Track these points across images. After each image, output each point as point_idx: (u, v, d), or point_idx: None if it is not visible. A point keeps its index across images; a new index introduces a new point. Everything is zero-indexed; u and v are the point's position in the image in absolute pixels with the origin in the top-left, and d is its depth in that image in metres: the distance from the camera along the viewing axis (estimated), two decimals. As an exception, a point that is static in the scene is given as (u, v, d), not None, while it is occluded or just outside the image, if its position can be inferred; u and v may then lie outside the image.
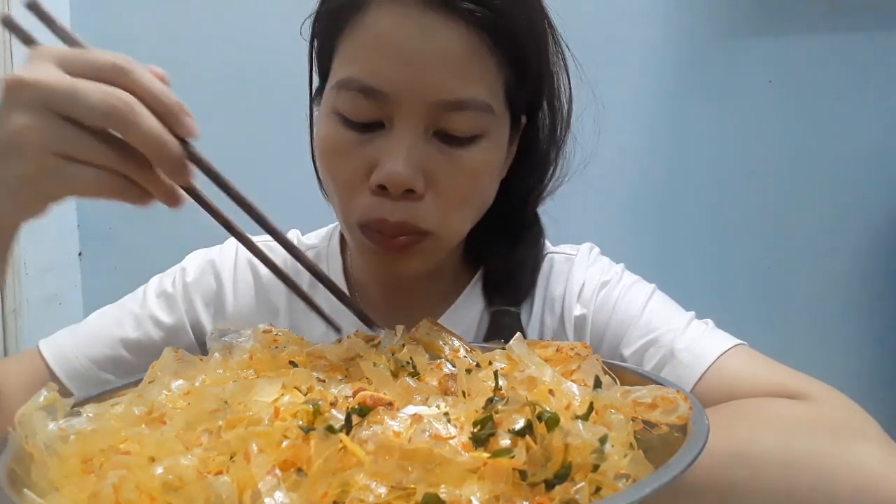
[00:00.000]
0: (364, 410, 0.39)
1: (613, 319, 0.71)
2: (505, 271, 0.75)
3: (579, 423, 0.37)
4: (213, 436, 0.39)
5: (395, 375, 0.48)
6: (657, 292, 0.73)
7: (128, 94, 0.44)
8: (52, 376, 0.70)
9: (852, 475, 0.50)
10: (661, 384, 0.46)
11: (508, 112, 0.64)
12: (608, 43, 1.42)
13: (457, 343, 0.53)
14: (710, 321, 0.71)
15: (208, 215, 0.51)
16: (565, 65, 0.70)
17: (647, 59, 1.49)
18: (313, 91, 0.70)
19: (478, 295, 0.75)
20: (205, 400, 0.43)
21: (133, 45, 1.43)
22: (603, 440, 0.36)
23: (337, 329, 0.55)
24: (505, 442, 0.36)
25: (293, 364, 0.51)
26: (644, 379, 0.49)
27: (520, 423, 0.37)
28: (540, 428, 0.36)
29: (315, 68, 0.68)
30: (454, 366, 0.49)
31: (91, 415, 0.43)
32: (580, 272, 0.74)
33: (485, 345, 0.57)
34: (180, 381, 0.47)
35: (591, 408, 0.40)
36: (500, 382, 0.44)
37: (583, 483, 0.34)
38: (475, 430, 0.38)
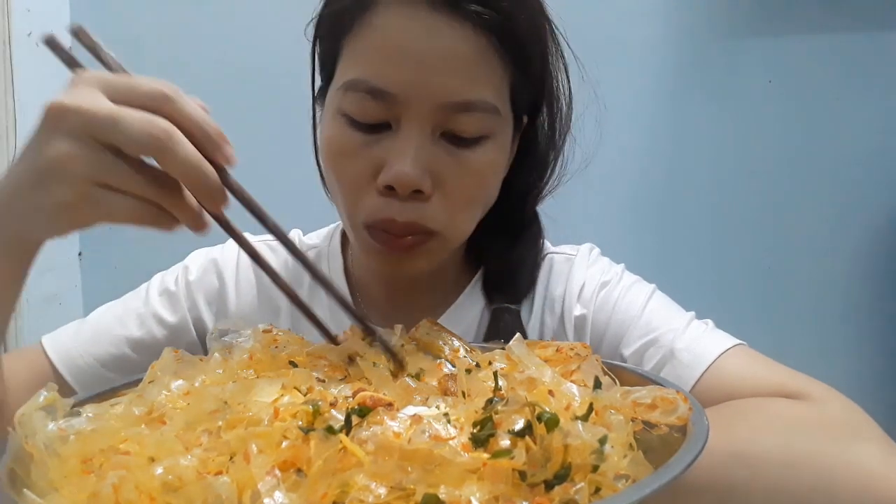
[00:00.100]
0: (364, 411, 0.39)
1: (613, 319, 0.71)
2: (505, 270, 0.75)
3: (579, 423, 0.37)
4: (213, 436, 0.39)
5: (394, 375, 0.49)
6: (657, 292, 0.73)
7: (168, 122, 0.43)
8: (56, 375, 0.70)
9: (852, 475, 0.50)
10: (661, 385, 0.46)
11: (512, 113, 0.64)
12: (608, 43, 1.42)
13: (457, 343, 0.53)
14: (710, 321, 0.71)
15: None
16: (565, 66, 0.70)
17: (647, 59, 1.49)
18: (315, 92, 0.70)
19: (478, 294, 0.75)
20: (204, 400, 0.43)
21: (133, 45, 1.43)
22: (602, 441, 0.36)
23: (332, 339, 0.55)
24: (505, 442, 0.36)
25: (293, 364, 0.51)
26: (644, 379, 0.49)
27: (519, 424, 0.37)
28: (539, 429, 0.36)
29: (317, 69, 0.68)
30: (454, 366, 0.49)
31: (91, 415, 0.43)
32: (580, 272, 0.75)
33: (485, 345, 0.57)
34: (180, 382, 0.47)
35: (590, 408, 0.40)
36: (501, 383, 0.44)
37: (582, 484, 0.34)
38: (475, 431, 0.38)
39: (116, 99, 0.44)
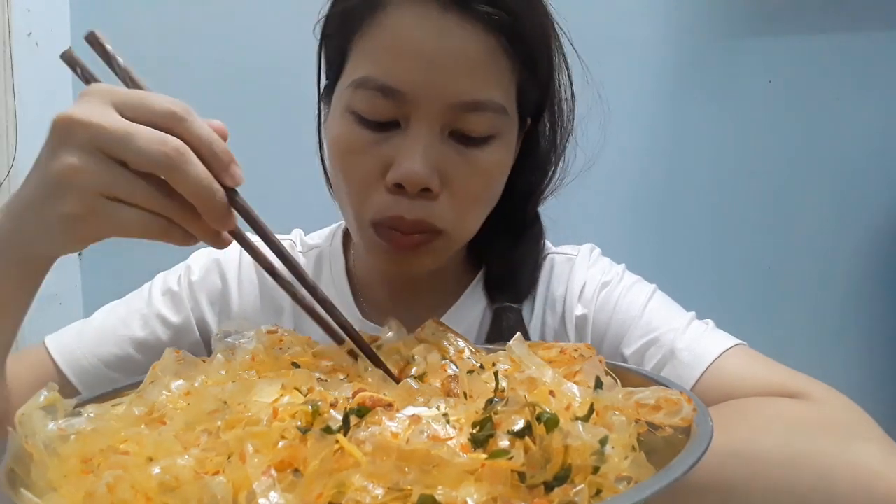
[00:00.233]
0: (362, 411, 0.38)
1: (614, 319, 0.71)
2: (506, 270, 0.75)
3: (579, 424, 0.37)
4: (212, 436, 0.39)
5: (401, 373, 0.48)
6: (658, 292, 0.74)
7: (180, 141, 0.44)
8: (61, 376, 0.70)
9: (852, 475, 0.50)
10: (665, 386, 0.46)
11: (517, 113, 0.65)
12: (608, 43, 1.42)
13: (462, 344, 0.53)
14: (710, 321, 0.71)
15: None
16: (567, 67, 0.70)
17: (647, 59, 1.49)
18: (321, 91, 0.70)
19: (480, 294, 0.76)
20: (204, 400, 0.43)
21: (133, 45, 1.42)
22: (603, 442, 0.36)
23: (340, 343, 0.55)
24: (504, 443, 0.36)
25: (295, 365, 0.51)
26: (648, 380, 0.49)
27: (519, 424, 0.37)
28: (539, 429, 0.36)
29: (323, 68, 0.69)
30: (458, 367, 0.48)
31: (91, 415, 0.43)
32: (581, 272, 0.75)
33: (490, 346, 0.57)
34: (180, 382, 0.47)
35: (591, 409, 0.40)
36: (503, 383, 0.44)
37: (582, 485, 0.34)
38: (474, 432, 0.37)
39: (128, 115, 0.44)
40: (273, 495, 0.33)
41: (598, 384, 0.44)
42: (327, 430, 0.37)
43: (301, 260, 0.78)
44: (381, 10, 0.59)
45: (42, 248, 0.49)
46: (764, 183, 1.50)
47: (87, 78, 0.48)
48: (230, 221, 0.47)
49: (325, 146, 0.70)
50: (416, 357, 0.51)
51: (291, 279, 0.53)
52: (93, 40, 0.47)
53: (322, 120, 0.71)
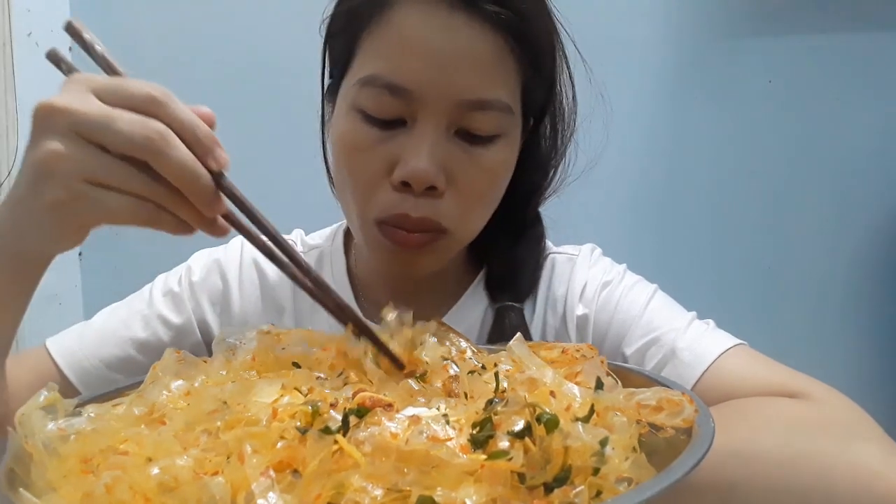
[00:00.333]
0: (362, 411, 0.38)
1: (615, 319, 0.71)
2: (507, 270, 0.76)
3: (579, 425, 0.36)
4: (212, 436, 0.39)
5: (399, 366, 0.48)
6: (659, 292, 0.74)
7: (161, 124, 0.43)
8: (62, 377, 0.69)
9: (852, 474, 0.50)
10: (667, 386, 0.46)
11: (521, 113, 0.65)
12: (608, 43, 1.42)
13: (464, 344, 0.53)
14: (711, 321, 0.71)
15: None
16: (569, 68, 0.70)
17: (647, 59, 1.49)
18: (325, 90, 0.70)
19: (481, 293, 0.76)
20: (204, 401, 0.43)
21: (133, 45, 1.43)
22: (603, 443, 0.36)
23: (344, 323, 0.53)
24: (503, 444, 0.36)
25: (296, 365, 0.51)
26: (650, 381, 0.49)
27: (519, 425, 0.36)
28: (539, 430, 0.36)
29: (327, 67, 0.69)
30: (459, 367, 0.48)
31: (91, 415, 0.43)
32: (582, 272, 0.75)
33: (492, 346, 0.57)
34: (180, 382, 0.47)
35: (591, 410, 0.39)
36: (504, 383, 0.44)
37: (582, 487, 0.34)
38: (474, 432, 0.37)
39: (108, 100, 0.44)
40: (272, 496, 0.33)
41: (599, 385, 0.44)
42: (326, 430, 0.37)
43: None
44: (388, 8, 0.59)
45: (35, 242, 0.49)
46: (764, 183, 1.50)
47: (70, 73, 0.47)
48: (219, 205, 0.46)
49: (328, 145, 0.70)
50: (426, 339, 0.50)
51: (289, 264, 0.52)
52: (71, 30, 0.47)
53: (325, 119, 0.71)
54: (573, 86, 0.72)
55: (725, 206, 1.51)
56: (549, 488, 0.35)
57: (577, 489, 0.34)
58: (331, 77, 0.69)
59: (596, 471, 0.35)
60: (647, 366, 0.67)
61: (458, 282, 0.76)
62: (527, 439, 0.36)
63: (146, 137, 0.42)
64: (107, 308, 0.77)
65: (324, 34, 0.68)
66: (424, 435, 0.36)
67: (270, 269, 0.76)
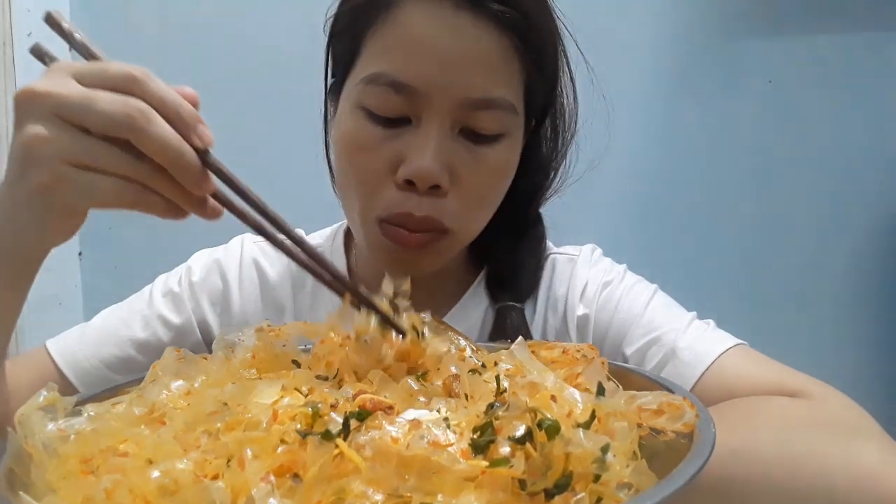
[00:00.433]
0: (363, 414, 0.38)
1: (616, 319, 0.71)
2: (508, 270, 0.76)
3: (580, 431, 0.36)
4: (212, 438, 0.39)
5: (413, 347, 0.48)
6: (659, 292, 0.74)
7: (141, 102, 0.43)
8: (62, 378, 0.69)
9: (851, 473, 0.50)
10: (668, 388, 0.45)
11: (524, 113, 0.65)
12: (608, 43, 1.42)
13: (463, 342, 0.53)
14: (711, 321, 0.71)
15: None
16: (570, 69, 0.70)
17: (647, 59, 1.49)
18: (328, 88, 0.70)
19: (482, 294, 0.76)
20: (204, 401, 0.43)
21: (133, 45, 1.43)
22: (605, 449, 0.35)
23: (341, 294, 0.53)
24: (504, 449, 0.35)
25: (296, 364, 0.51)
26: (651, 382, 0.49)
27: (520, 430, 0.36)
28: (540, 436, 0.36)
29: (330, 65, 0.68)
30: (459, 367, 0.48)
31: (91, 414, 0.43)
32: (583, 272, 0.75)
33: (491, 344, 0.57)
34: (180, 382, 0.47)
35: (593, 416, 0.39)
36: (505, 384, 0.44)
37: (583, 493, 0.34)
38: (475, 437, 0.37)
39: (87, 82, 0.44)
40: (272, 501, 0.33)
41: (601, 390, 0.43)
42: (327, 434, 0.36)
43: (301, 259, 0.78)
44: (394, 6, 0.60)
45: (26, 230, 0.48)
46: (764, 183, 1.50)
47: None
48: (206, 183, 0.45)
49: (330, 144, 0.70)
50: (426, 318, 0.50)
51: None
52: (51, 21, 0.47)
53: (328, 118, 0.70)
54: (574, 87, 0.72)
55: (725, 206, 1.51)
56: (549, 495, 0.34)
57: (578, 496, 0.34)
58: (334, 76, 0.69)
59: (597, 477, 0.35)
60: (647, 365, 0.67)
61: (458, 282, 0.76)
62: (528, 445, 0.35)
63: (127, 115, 0.42)
64: (107, 309, 0.77)
65: (327, 33, 0.68)
66: (425, 440, 0.35)
67: (270, 269, 0.77)
